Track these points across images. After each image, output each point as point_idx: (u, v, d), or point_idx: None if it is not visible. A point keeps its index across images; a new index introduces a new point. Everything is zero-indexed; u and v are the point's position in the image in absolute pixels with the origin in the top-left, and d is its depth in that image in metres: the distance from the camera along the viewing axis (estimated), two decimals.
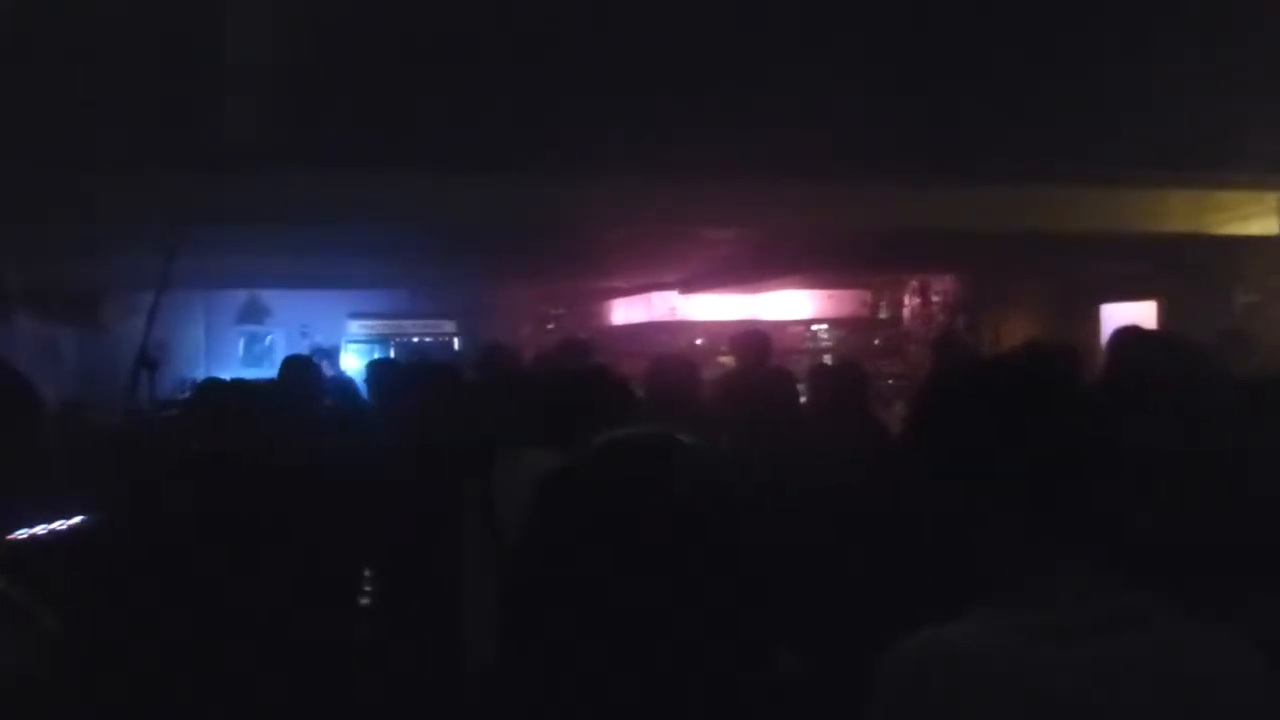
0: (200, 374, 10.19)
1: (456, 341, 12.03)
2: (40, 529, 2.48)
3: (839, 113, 5.17)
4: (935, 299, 10.41)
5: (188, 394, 6.21)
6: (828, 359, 10.73)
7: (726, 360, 7.99)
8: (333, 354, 9.83)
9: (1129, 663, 1.13)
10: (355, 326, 11.82)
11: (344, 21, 4.83)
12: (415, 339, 11.85)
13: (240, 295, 11.17)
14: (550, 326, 12.57)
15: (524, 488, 2.55)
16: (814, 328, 11.38)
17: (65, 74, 4.39)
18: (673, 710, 1.03)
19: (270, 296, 11.29)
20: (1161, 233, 6.87)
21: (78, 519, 2.49)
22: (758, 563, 1.01)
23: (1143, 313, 8.50)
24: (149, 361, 3.56)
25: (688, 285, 10.55)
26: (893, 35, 4.45)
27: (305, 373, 4.69)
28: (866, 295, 11.26)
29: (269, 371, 7.06)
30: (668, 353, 5.43)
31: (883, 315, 11.21)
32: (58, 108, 4.85)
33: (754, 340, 5.89)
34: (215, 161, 5.51)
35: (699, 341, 11.43)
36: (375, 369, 4.91)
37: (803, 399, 6.26)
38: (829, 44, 4.68)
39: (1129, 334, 3.73)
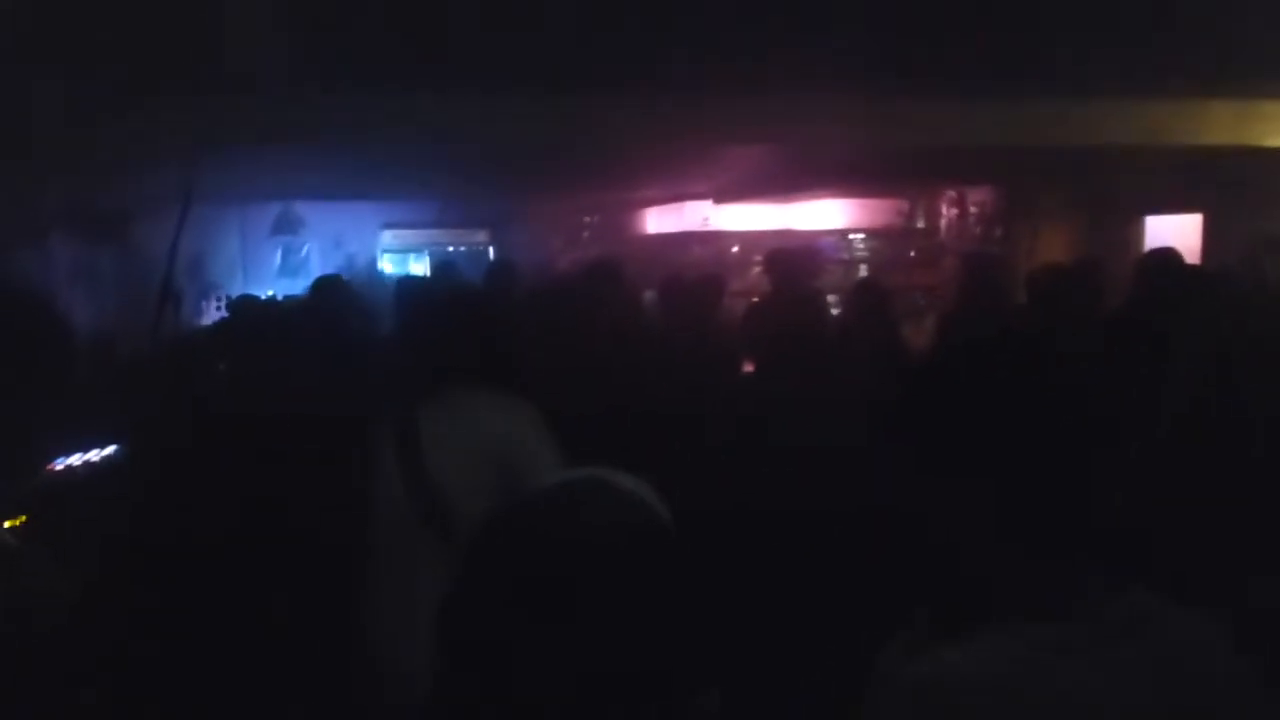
0: (238, 286, 10.34)
1: (491, 251, 12.05)
2: (75, 459, 2.59)
3: (875, 26, 5.03)
4: (973, 210, 10.21)
5: (221, 310, 6.35)
6: (863, 270, 10.66)
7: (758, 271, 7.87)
8: (371, 266, 9.91)
9: (1146, 668, 1.07)
10: (389, 237, 11.87)
11: None
12: (449, 249, 11.88)
13: (275, 207, 11.21)
14: (584, 235, 12.54)
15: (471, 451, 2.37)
16: (849, 237, 11.23)
17: None
18: None
19: (304, 208, 11.31)
20: (1205, 145, 6.66)
21: (109, 449, 2.59)
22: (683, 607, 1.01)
23: (1187, 225, 8.30)
24: (173, 293, 3.61)
25: (721, 195, 10.43)
26: None
27: (335, 293, 4.73)
28: (903, 204, 11.05)
29: (305, 282, 7.13)
30: (682, 273, 5.38)
31: (919, 225, 11.02)
32: (91, 29, 4.84)
33: (785, 259, 5.85)
34: (247, 78, 5.49)
35: (734, 250, 11.36)
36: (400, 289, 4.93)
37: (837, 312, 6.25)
38: None
39: (1153, 262, 3.67)
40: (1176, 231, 7.97)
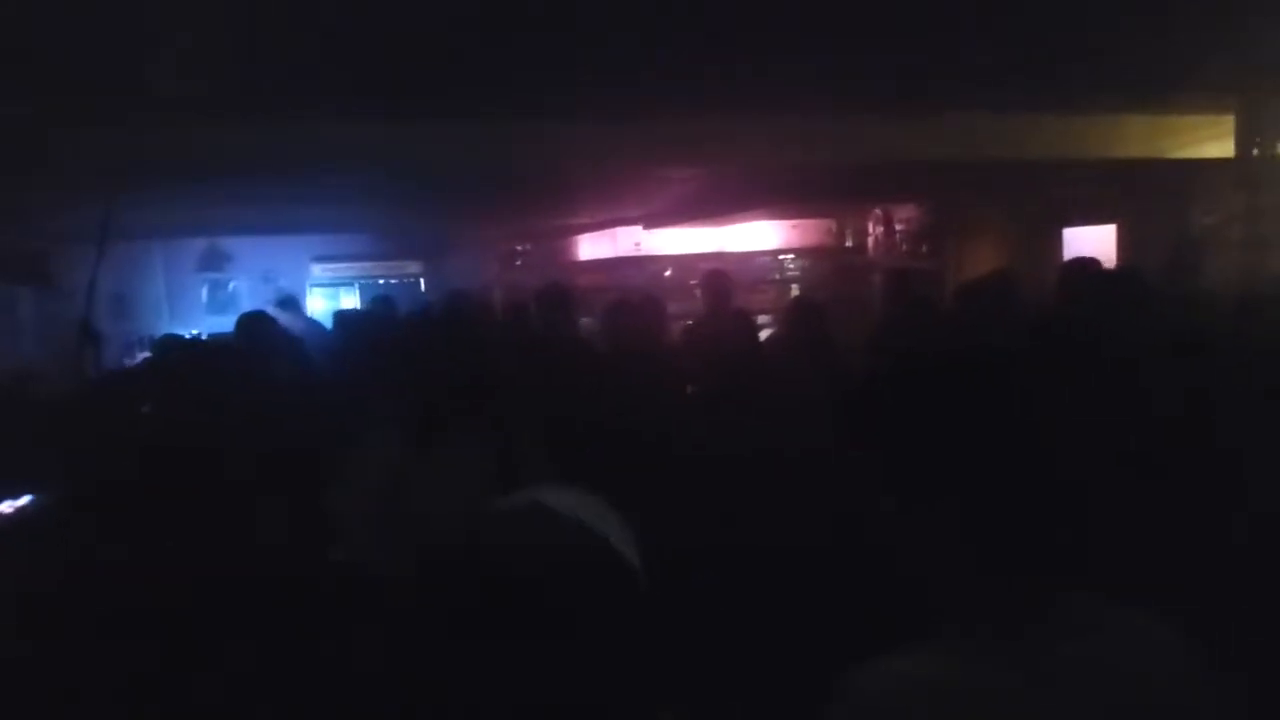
0: (164, 325, 10.10)
1: (422, 283, 11.96)
2: None
3: (796, 47, 5.10)
4: (899, 227, 10.41)
5: (146, 353, 6.19)
6: (795, 289, 10.81)
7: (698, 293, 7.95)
8: (297, 301, 9.73)
9: (1090, 673, 1.07)
10: (319, 270, 11.71)
11: None
12: (381, 281, 11.76)
13: (200, 243, 11.00)
14: (517, 264, 12.52)
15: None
16: (781, 258, 11.40)
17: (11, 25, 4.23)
18: None
19: (231, 243, 11.12)
20: (1119, 158, 6.88)
21: (24, 500, 2.48)
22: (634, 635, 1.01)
23: (1103, 236, 8.54)
24: (92, 334, 3.50)
25: (652, 220, 10.50)
26: None
27: (260, 330, 4.65)
28: (832, 224, 11.26)
29: (232, 320, 7.01)
30: (623, 297, 5.39)
31: (848, 244, 11.23)
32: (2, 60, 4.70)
33: (714, 283, 5.91)
34: (166, 111, 5.38)
35: (667, 274, 11.43)
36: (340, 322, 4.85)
37: (768, 333, 6.32)
38: None
39: (1073, 271, 3.77)
40: (1094, 242, 8.19)
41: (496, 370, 2.72)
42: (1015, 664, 1.06)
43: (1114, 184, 7.91)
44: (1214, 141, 6.76)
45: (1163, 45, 5.15)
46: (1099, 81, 5.77)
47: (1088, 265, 3.99)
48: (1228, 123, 6.45)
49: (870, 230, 10.88)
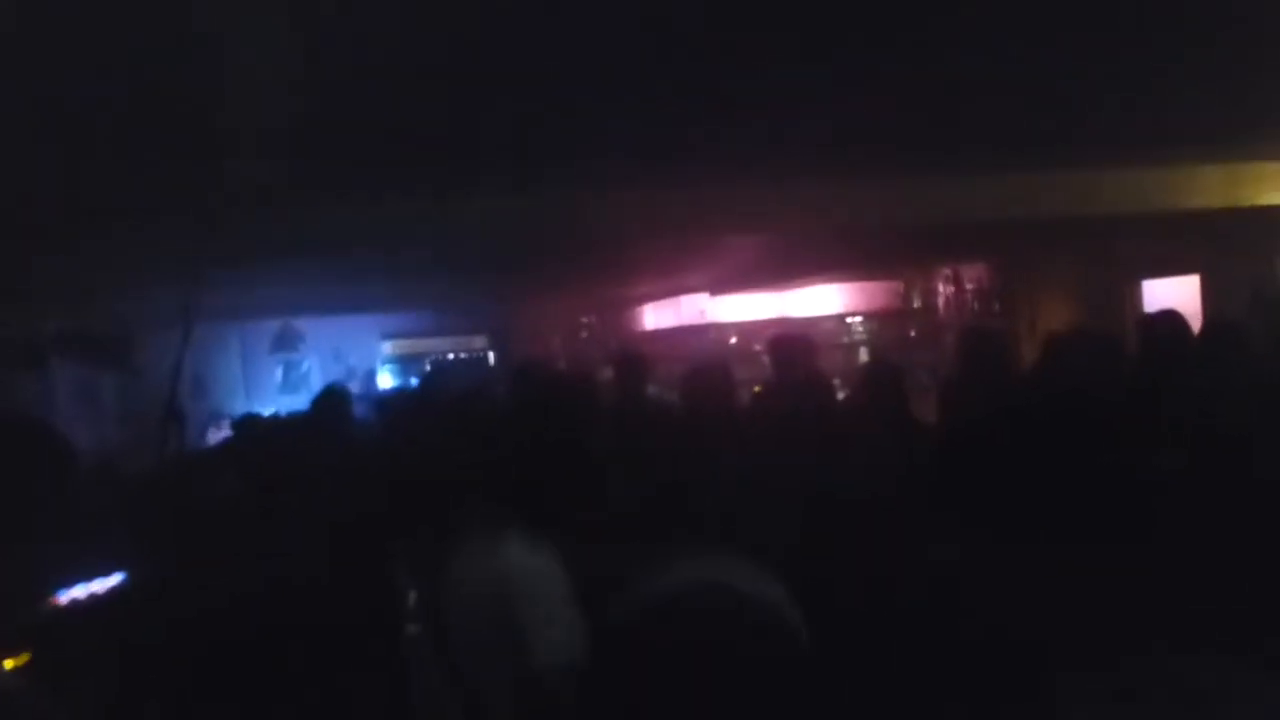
0: (240, 404, 10.33)
1: (491, 356, 12.10)
2: (79, 590, 2.49)
3: (856, 107, 5.09)
4: (969, 286, 10.26)
5: (226, 430, 6.32)
6: (863, 353, 10.68)
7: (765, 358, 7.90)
8: (370, 377, 9.92)
9: None
10: (389, 347, 11.92)
11: (354, 50, 4.82)
12: (449, 356, 11.93)
13: (274, 324, 11.27)
14: (583, 335, 12.61)
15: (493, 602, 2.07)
16: (848, 321, 11.29)
17: (92, 114, 4.40)
18: None
19: (303, 323, 11.39)
20: (1197, 209, 6.72)
21: (114, 578, 2.49)
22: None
23: (1185, 288, 8.31)
24: (177, 414, 3.56)
25: (716, 287, 10.50)
26: (903, 25, 4.36)
27: (337, 405, 4.71)
28: (899, 286, 11.14)
29: (306, 398, 7.13)
30: (702, 362, 5.34)
31: (916, 305, 11.09)
32: (85, 148, 4.88)
33: (787, 345, 5.83)
34: (239, 198, 5.54)
35: (733, 342, 11.40)
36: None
37: (840, 395, 6.20)
38: (838, 38, 4.60)
39: (1155, 323, 3.64)
40: (1175, 294, 7.98)
41: (601, 445, 2.55)
42: None
43: (1194, 234, 7.72)
44: None
45: (1238, 94, 5.04)
46: (1173, 133, 5.65)
47: (1170, 319, 3.85)
48: None
49: (940, 290, 10.75)
